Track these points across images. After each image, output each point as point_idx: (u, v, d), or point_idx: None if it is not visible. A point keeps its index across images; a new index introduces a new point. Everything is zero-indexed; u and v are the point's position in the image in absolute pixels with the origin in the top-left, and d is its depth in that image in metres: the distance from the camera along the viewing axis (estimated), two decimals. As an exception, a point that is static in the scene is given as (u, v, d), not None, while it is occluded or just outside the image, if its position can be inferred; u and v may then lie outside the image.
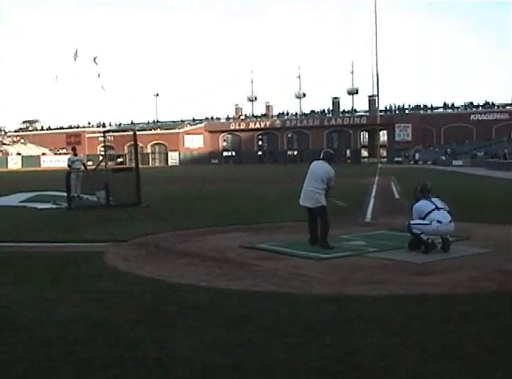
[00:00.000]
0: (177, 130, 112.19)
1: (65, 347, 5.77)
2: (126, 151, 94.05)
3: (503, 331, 6.18)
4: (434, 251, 10.82)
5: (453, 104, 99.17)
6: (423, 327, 6.28)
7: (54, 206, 21.15)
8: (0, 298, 7.85)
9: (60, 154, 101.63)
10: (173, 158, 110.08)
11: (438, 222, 10.92)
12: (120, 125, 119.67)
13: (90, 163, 58.40)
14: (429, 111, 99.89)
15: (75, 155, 25.84)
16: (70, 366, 5.28)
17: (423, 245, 10.94)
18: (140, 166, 23.02)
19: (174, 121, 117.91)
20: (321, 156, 12.12)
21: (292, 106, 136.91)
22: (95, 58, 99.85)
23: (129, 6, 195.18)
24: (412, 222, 11.22)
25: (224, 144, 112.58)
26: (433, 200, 11.34)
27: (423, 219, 11.09)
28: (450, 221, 11.09)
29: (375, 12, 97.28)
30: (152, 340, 5.93)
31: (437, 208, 11.14)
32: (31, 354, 5.60)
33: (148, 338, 6.01)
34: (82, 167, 25.07)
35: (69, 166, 24.72)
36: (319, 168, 11.85)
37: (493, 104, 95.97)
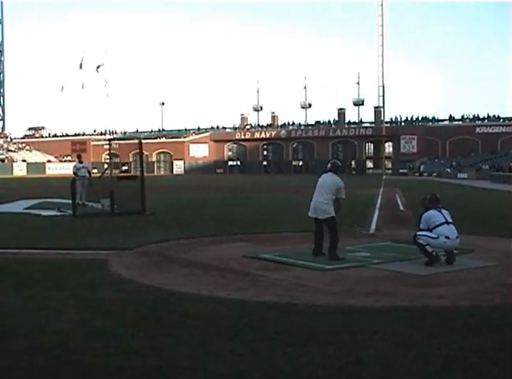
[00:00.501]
0: (182, 139, 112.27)
1: (64, 355, 5.75)
2: (131, 159, 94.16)
3: (506, 343, 6.16)
4: (438, 264, 10.81)
5: (461, 116, 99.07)
6: (425, 338, 6.26)
7: (58, 213, 21.17)
8: (1, 305, 7.86)
9: (65, 161, 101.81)
10: (178, 166, 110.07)
11: (446, 237, 10.91)
12: (126, 133, 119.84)
13: (95, 170, 58.40)
14: (435, 123, 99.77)
15: (80, 162, 25.92)
16: (70, 375, 5.27)
17: (426, 257, 10.92)
18: (145, 174, 23.04)
19: (179, 130, 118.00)
20: (329, 168, 12.14)
21: (298, 117, 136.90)
22: (98, 67, 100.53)
23: (136, 15, 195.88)
24: (418, 233, 11.18)
25: (229, 153, 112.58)
26: (443, 212, 11.30)
27: (431, 230, 11.05)
28: (457, 237, 11.08)
29: (382, 23, 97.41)
30: (152, 349, 5.91)
31: (447, 222, 11.10)
32: (30, 361, 5.59)
33: (148, 346, 5.99)
34: (87, 175, 25.12)
35: (74, 173, 24.78)
36: (327, 180, 11.88)
37: (499, 117, 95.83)
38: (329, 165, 12.27)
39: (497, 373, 5.27)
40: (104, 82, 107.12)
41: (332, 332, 6.51)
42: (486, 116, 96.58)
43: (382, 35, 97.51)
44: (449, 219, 11.20)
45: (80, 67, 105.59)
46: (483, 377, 5.19)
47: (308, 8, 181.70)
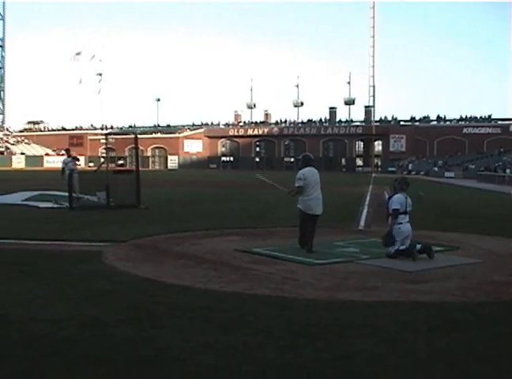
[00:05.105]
0: (177, 135, 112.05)
1: (56, 344, 5.70)
2: (126, 153, 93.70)
3: (492, 340, 6.13)
4: (421, 258, 10.90)
5: (446, 117, 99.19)
6: (413, 334, 6.22)
7: (55, 205, 21.07)
8: (-3, 294, 7.81)
9: (62, 155, 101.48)
10: (172, 162, 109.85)
11: (399, 223, 11.24)
12: (122, 128, 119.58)
13: (92, 164, 58.13)
14: (423, 123, 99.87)
15: (69, 156, 25.63)
16: (60, 363, 5.21)
17: (406, 256, 11.00)
18: (140, 168, 22.95)
19: (174, 126, 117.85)
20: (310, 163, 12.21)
21: (290, 115, 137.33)
22: (92, 57, 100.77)
23: (133, 15, 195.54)
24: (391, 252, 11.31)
25: (223, 149, 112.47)
26: (408, 201, 11.49)
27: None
28: (407, 222, 11.41)
29: (373, 25, 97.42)
30: (143, 339, 5.86)
31: (405, 212, 11.35)
32: (22, 350, 5.54)
33: (139, 337, 5.94)
34: (76, 167, 24.75)
35: (63, 168, 24.43)
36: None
37: (485, 118, 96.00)
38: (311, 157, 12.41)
39: (484, 370, 5.24)
40: (99, 78, 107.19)
41: (321, 326, 6.47)
42: (473, 117, 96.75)
43: (374, 37, 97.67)
44: (408, 208, 11.46)
45: (74, 58, 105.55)
46: (472, 374, 5.15)
47: (300, 10, 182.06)
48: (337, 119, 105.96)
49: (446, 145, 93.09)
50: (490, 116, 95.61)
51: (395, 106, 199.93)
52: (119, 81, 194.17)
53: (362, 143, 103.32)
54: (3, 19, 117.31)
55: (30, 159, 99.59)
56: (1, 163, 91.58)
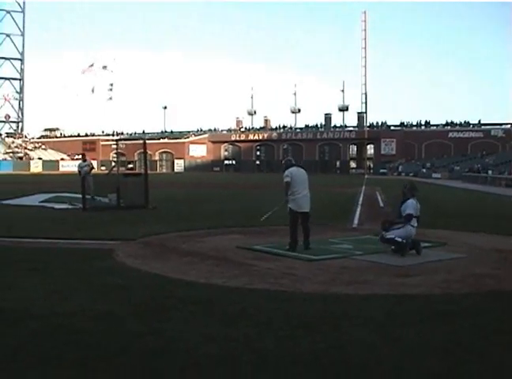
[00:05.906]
0: (183, 140, 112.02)
1: (72, 336, 5.68)
2: (136, 158, 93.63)
3: (475, 328, 6.12)
4: (410, 253, 10.91)
5: (433, 122, 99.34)
6: (403, 325, 6.20)
7: (70, 206, 21.07)
8: (16, 289, 7.77)
9: (77, 159, 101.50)
10: (179, 165, 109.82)
11: (411, 226, 11.12)
12: (131, 134, 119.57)
13: (103, 167, 58.13)
14: (412, 128, 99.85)
15: (84, 160, 25.67)
16: (76, 354, 5.19)
17: (397, 246, 11.04)
18: (148, 171, 22.93)
19: (180, 132, 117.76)
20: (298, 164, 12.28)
21: (288, 121, 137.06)
22: (104, 68, 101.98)
23: (142, 34, 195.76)
24: (386, 234, 11.27)
25: (226, 153, 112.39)
26: (418, 205, 11.40)
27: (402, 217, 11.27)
28: (416, 226, 11.31)
29: (364, 37, 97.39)
30: (152, 332, 5.83)
31: (416, 215, 11.24)
32: (41, 341, 5.53)
33: (148, 329, 5.92)
34: (90, 171, 24.81)
35: (79, 171, 24.53)
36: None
37: (469, 123, 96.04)
38: (293, 162, 12.38)
39: (470, 358, 5.21)
40: (110, 87, 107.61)
41: (317, 318, 6.44)
42: (458, 122, 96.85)
43: (365, 48, 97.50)
44: (418, 213, 11.34)
45: (85, 70, 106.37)
46: (458, 363, 5.11)
47: (297, 24, 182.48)
48: (332, 125, 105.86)
49: (433, 148, 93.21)
50: (480, 121, 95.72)
51: (386, 112, 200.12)
52: (129, 91, 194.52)
53: (355, 147, 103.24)
54: (23, 35, 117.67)
55: (47, 164, 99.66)
56: (20, 168, 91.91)
